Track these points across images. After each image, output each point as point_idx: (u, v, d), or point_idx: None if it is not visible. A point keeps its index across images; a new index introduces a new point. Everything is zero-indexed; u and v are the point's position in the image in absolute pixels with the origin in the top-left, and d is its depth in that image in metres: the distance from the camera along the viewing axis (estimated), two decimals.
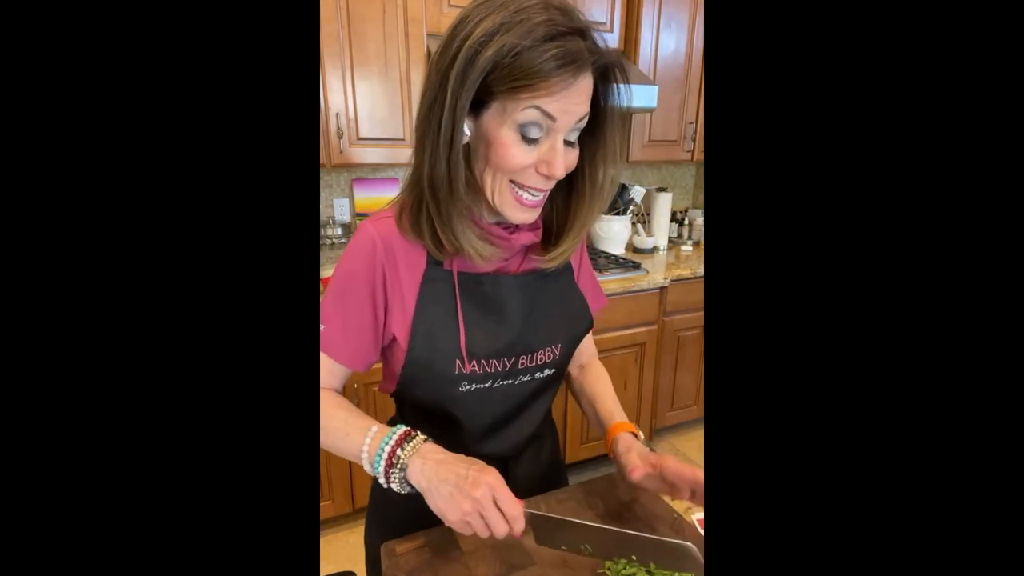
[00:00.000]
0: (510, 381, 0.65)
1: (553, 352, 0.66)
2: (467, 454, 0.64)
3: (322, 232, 1.91)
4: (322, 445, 0.59)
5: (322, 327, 0.61)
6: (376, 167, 2.00)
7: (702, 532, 0.63)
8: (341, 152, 1.66)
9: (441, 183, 0.53)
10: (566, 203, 0.63)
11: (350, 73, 1.62)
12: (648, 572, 0.54)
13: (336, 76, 1.60)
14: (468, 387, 0.62)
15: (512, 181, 0.55)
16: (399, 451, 0.54)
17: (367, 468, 0.56)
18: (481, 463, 0.54)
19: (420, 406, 0.66)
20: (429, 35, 1.70)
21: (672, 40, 2.09)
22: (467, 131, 0.53)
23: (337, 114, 1.63)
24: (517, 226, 0.62)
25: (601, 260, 2.08)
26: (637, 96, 1.90)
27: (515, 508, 0.52)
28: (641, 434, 0.69)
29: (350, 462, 1.71)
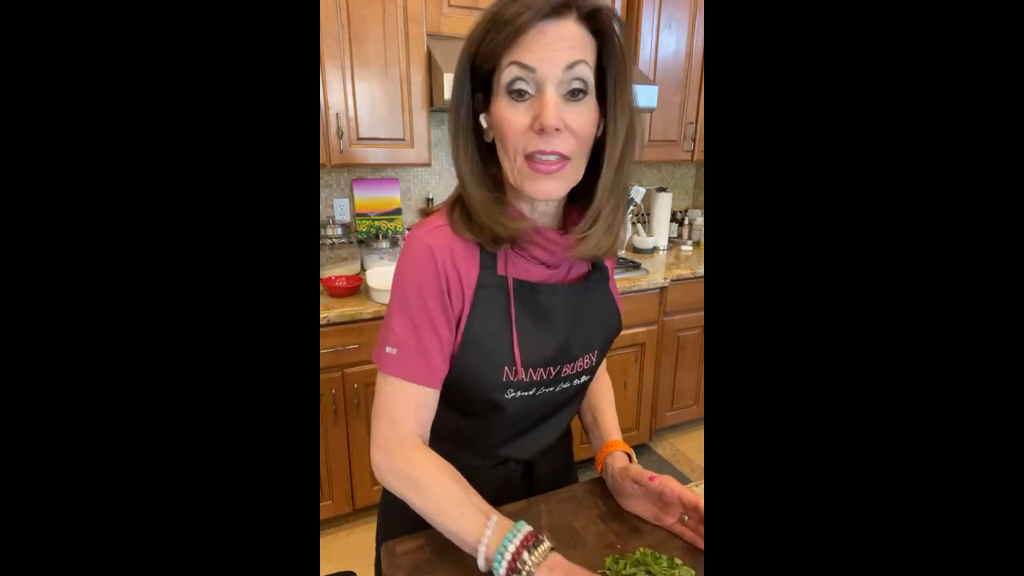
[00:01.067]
0: (552, 389, 0.64)
1: (591, 358, 0.66)
2: (493, 457, 0.66)
3: (322, 232, 1.91)
4: (422, 512, 0.54)
5: (393, 351, 0.57)
6: (376, 167, 2.00)
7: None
8: (341, 152, 1.66)
9: (468, 178, 0.57)
10: (588, 190, 0.59)
11: (350, 73, 1.62)
12: (648, 572, 0.54)
13: (336, 76, 1.60)
14: (513, 394, 0.60)
15: (525, 157, 0.53)
16: (525, 555, 0.49)
17: (481, 564, 0.51)
18: None
19: (453, 408, 0.63)
20: (429, 35, 1.70)
21: (672, 40, 2.09)
22: (484, 124, 0.56)
23: (337, 114, 1.63)
24: (567, 230, 0.60)
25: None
26: (637, 96, 1.90)
27: None
28: (634, 455, 0.69)
29: (350, 462, 1.72)
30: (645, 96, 1.91)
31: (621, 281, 1.92)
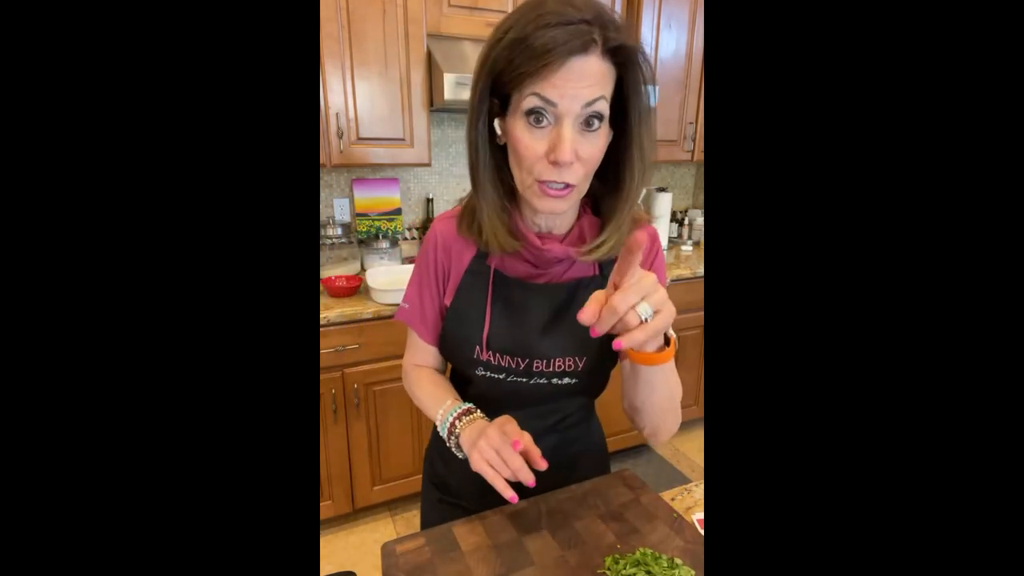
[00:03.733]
0: (524, 380, 0.68)
1: (575, 363, 0.67)
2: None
3: (322, 232, 1.91)
4: (419, 407, 0.75)
5: (406, 306, 0.74)
6: (376, 167, 2.00)
7: (702, 532, 0.63)
8: (341, 152, 1.66)
9: (472, 176, 0.63)
10: (607, 200, 0.65)
11: (350, 73, 1.62)
12: (648, 572, 0.54)
13: (336, 76, 1.60)
14: (483, 373, 0.68)
15: (538, 181, 0.56)
16: (457, 423, 0.65)
17: (442, 432, 0.67)
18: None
19: (455, 372, 0.77)
20: (429, 35, 1.70)
21: (672, 40, 2.09)
22: (498, 130, 0.59)
23: (337, 114, 1.63)
24: (549, 235, 0.66)
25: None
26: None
27: (517, 432, 0.59)
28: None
29: (350, 462, 1.72)
30: None
31: None
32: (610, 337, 0.49)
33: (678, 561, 0.56)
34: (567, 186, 0.56)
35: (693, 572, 0.54)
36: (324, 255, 1.92)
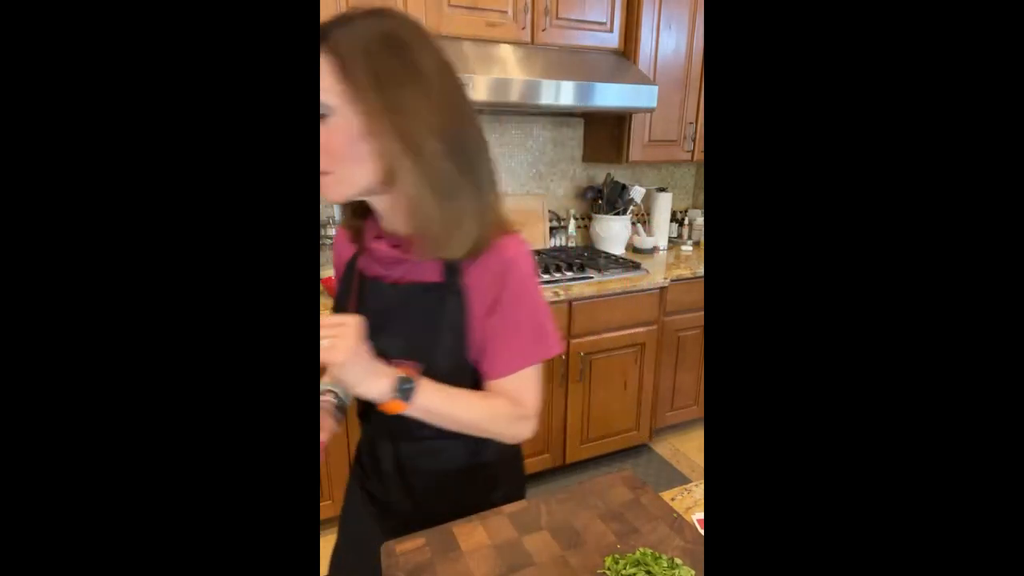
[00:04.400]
0: None
1: (417, 368, 0.66)
2: (366, 424, 0.80)
3: (322, 232, 1.91)
4: None
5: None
6: None
7: (702, 532, 0.63)
8: None
9: None
10: None
11: None
12: (648, 572, 0.54)
13: None
14: None
15: None
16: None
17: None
18: None
19: None
20: None
21: (672, 40, 2.09)
22: None
23: None
24: (393, 235, 0.67)
25: (601, 260, 2.08)
26: (637, 96, 1.90)
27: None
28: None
29: (350, 462, 1.72)
30: (645, 96, 1.91)
31: (621, 281, 1.92)
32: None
33: (678, 561, 0.56)
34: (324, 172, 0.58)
35: (693, 572, 0.54)
36: (324, 255, 1.92)
